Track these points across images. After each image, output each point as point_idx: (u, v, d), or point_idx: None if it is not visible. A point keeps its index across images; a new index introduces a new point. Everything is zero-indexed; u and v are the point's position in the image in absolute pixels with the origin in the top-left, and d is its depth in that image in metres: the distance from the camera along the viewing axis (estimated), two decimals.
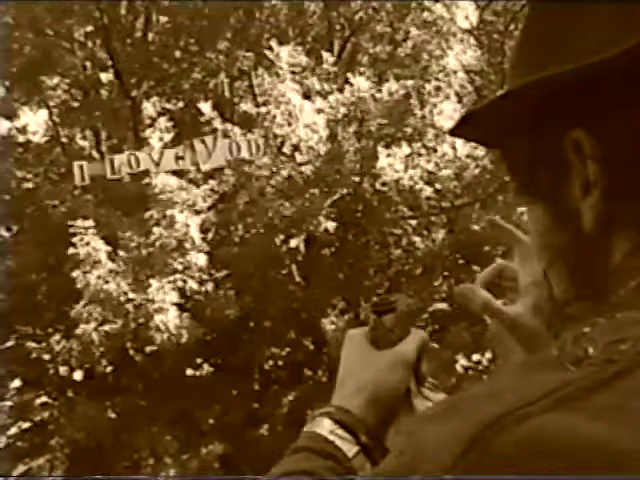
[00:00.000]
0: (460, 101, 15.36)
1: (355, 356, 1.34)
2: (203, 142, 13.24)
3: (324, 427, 1.23)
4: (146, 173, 14.96)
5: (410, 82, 14.45)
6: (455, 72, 14.70)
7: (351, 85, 14.51)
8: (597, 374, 0.66)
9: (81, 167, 13.27)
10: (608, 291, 0.80)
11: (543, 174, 0.85)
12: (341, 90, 14.90)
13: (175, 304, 14.11)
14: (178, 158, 13.19)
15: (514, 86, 0.84)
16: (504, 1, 17.38)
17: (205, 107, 15.30)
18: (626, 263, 0.80)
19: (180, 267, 14.19)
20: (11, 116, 17.35)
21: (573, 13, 0.81)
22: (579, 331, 0.73)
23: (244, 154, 13.46)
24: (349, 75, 14.82)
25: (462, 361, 15.54)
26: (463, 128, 0.92)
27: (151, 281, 14.00)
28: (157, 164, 13.19)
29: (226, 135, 13.97)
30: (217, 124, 15.09)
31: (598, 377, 0.66)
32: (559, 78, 0.79)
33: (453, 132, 0.94)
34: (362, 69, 15.80)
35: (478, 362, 15.49)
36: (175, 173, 14.65)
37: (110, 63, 17.50)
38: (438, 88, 14.56)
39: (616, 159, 0.79)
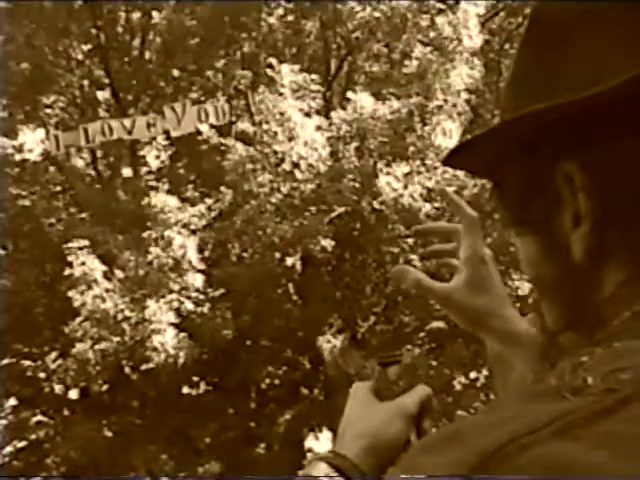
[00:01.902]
0: (457, 120, 15.39)
1: (357, 407, 1.36)
2: (173, 109, 13.40)
3: (320, 470, 1.25)
4: (145, 192, 15.00)
5: (412, 100, 14.50)
6: (458, 92, 14.74)
7: (352, 102, 14.55)
8: (598, 403, 0.65)
9: (56, 137, 13.41)
10: (602, 321, 0.80)
11: (534, 205, 0.85)
12: (342, 108, 14.95)
13: (172, 324, 14.09)
14: (150, 125, 13.38)
15: (506, 119, 0.85)
16: (500, 20, 17.50)
17: (202, 126, 15.34)
18: (619, 294, 0.80)
19: (177, 287, 14.18)
20: (9, 134, 17.37)
21: (565, 46, 0.82)
22: (577, 361, 0.72)
23: (212, 120, 13.65)
24: (350, 93, 14.88)
25: (460, 378, 15.53)
26: (455, 158, 0.93)
27: (148, 301, 13.99)
28: (129, 132, 13.35)
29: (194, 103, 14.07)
30: (215, 141, 15.15)
31: (599, 406, 0.65)
32: (549, 112, 0.79)
33: (446, 162, 0.94)
34: (359, 87, 15.86)
35: (476, 379, 15.48)
36: (171, 192, 14.68)
37: (107, 82, 17.55)
38: (440, 107, 14.60)
39: (606, 191, 0.80)
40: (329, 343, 15.02)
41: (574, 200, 0.81)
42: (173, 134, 13.69)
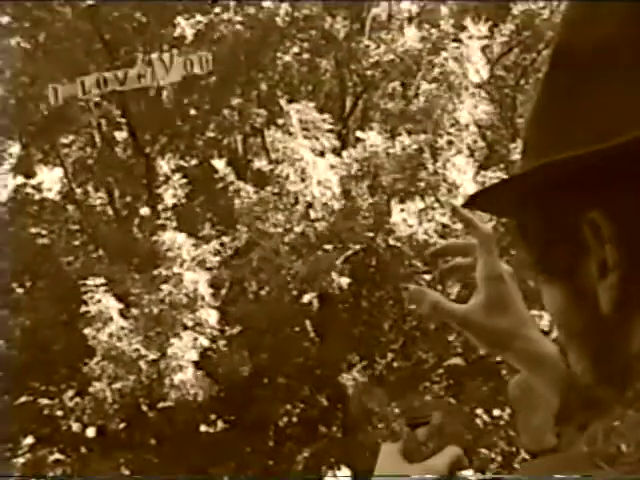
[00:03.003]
0: (472, 155, 15.42)
1: (386, 469, 1.32)
2: (160, 60, 14.01)
3: None
4: (159, 228, 15.08)
5: (422, 137, 14.54)
6: (467, 126, 14.77)
7: (363, 141, 14.61)
8: (634, 473, 0.64)
9: (55, 89, 14.10)
10: (632, 378, 0.77)
11: (558, 252, 0.83)
12: (354, 146, 15.00)
13: (189, 361, 14.09)
14: (140, 76, 13.99)
15: (529, 165, 0.83)
16: (514, 56, 17.56)
17: (219, 164, 15.45)
18: None
19: (191, 324, 14.20)
20: (28, 174, 17.52)
21: (589, 92, 0.79)
22: (609, 425, 0.70)
23: (196, 70, 14.16)
24: (360, 131, 14.94)
25: (483, 416, 15.40)
26: (477, 202, 0.91)
27: (164, 338, 14.01)
28: (122, 83, 13.99)
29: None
30: (231, 180, 15.22)
31: (635, 477, 0.64)
32: (576, 160, 0.77)
33: (467, 205, 0.92)
34: (374, 124, 15.93)
35: (499, 417, 15.34)
36: (187, 230, 14.75)
37: (124, 121, 17.69)
38: (450, 142, 14.62)
39: (634, 241, 0.77)
40: (352, 381, 14.98)
41: (601, 250, 0.78)
42: (162, 83, 14.50)
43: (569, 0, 0.88)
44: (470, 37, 15.02)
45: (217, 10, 16.34)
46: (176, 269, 14.19)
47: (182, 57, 14.19)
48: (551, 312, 0.87)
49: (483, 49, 15.26)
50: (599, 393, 0.84)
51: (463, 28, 15.91)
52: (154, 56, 14.23)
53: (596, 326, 0.81)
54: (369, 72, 16.24)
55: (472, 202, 0.91)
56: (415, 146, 14.52)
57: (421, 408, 1.40)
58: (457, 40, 15.46)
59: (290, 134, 14.43)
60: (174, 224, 15.16)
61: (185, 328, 14.17)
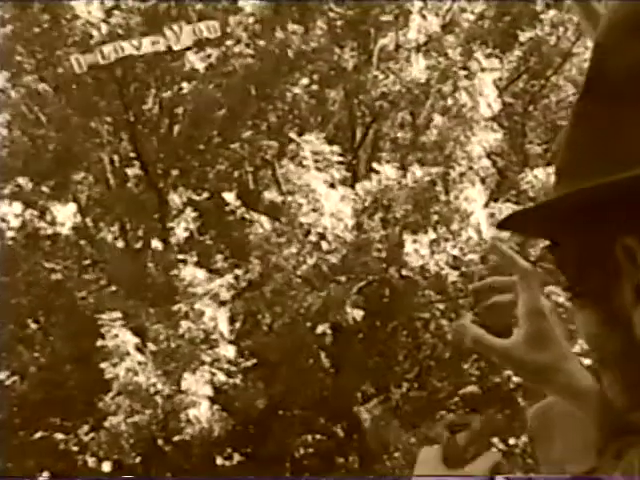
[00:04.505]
0: (483, 182, 15.42)
1: (425, 473, 1.31)
2: (171, 29, 15.32)
3: None
4: (172, 261, 15.12)
5: (435, 169, 14.57)
6: (480, 158, 14.79)
7: (377, 173, 14.65)
8: None
9: (77, 59, 15.17)
10: None
11: (592, 277, 0.83)
12: (366, 177, 15.04)
13: (204, 396, 14.07)
14: (154, 43, 15.32)
15: (563, 189, 0.83)
16: (523, 83, 17.61)
17: (229, 196, 15.50)
18: None
19: (208, 359, 14.19)
20: (41, 210, 17.61)
21: (623, 117, 0.79)
22: None
23: (205, 34, 15.34)
24: (375, 163, 14.99)
25: (499, 445, 15.29)
26: (511, 223, 0.91)
27: (180, 373, 14.00)
28: (137, 48, 15.31)
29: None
30: (242, 212, 15.27)
31: None
32: (611, 186, 0.77)
33: (501, 226, 0.92)
34: (384, 154, 15.97)
35: (514, 445, 15.23)
36: (200, 264, 14.77)
37: (135, 156, 17.78)
38: (462, 174, 14.65)
39: None
40: (368, 413, 14.92)
41: (636, 275, 0.78)
42: (174, 48, 15.55)
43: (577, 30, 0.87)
44: (483, 70, 15.07)
45: (229, 43, 16.49)
46: (191, 303, 14.21)
47: (191, 25, 15.42)
48: (585, 336, 0.87)
49: (495, 82, 15.32)
50: (633, 418, 0.83)
51: (470, 56, 15.99)
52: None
53: (630, 351, 0.80)
54: (378, 102, 16.30)
55: (506, 224, 0.91)
56: (428, 178, 14.55)
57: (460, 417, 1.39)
58: (465, 69, 15.53)
59: (303, 166, 14.49)
60: (187, 257, 15.18)
61: (202, 363, 14.17)
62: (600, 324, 0.84)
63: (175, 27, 15.31)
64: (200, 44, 16.26)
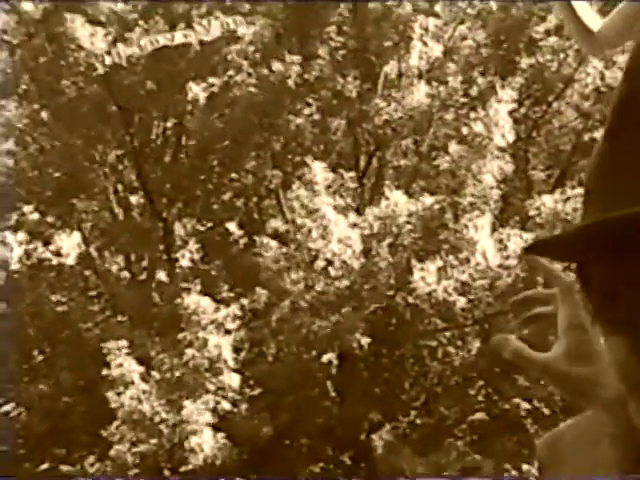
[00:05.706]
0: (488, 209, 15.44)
1: None
2: (200, 24, 16.16)
3: None
4: (177, 291, 15.13)
5: (443, 197, 14.61)
6: (492, 188, 14.82)
7: (387, 199, 14.67)
8: None
9: (118, 51, 16.03)
10: None
11: (621, 303, 0.83)
12: (373, 204, 15.06)
13: (209, 425, 14.02)
14: (185, 36, 16.17)
15: (592, 216, 0.83)
16: (525, 109, 17.65)
17: (232, 226, 15.55)
18: None
19: (213, 388, 14.15)
20: (46, 240, 17.64)
21: None
22: None
23: (232, 26, 16.18)
24: (385, 189, 15.03)
25: (512, 472, 15.20)
26: (538, 248, 0.92)
27: (185, 402, 13.96)
28: (172, 40, 16.12)
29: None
30: (245, 241, 15.30)
31: None
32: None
33: (528, 250, 0.92)
34: (389, 182, 15.99)
35: (528, 471, 15.13)
36: (205, 293, 14.78)
37: (139, 185, 17.83)
38: (472, 204, 14.67)
39: None
40: (380, 440, 14.87)
41: None
42: (205, 39, 16.29)
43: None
44: (499, 101, 15.12)
45: (230, 73, 16.56)
46: (196, 332, 14.20)
47: (218, 20, 16.22)
48: (613, 362, 0.87)
49: (511, 112, 15.39)
50: None
51: (472, 83, 16.05)
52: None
53: None
54: (381, 130, 16.35)
55: (534, 249, 0.92)
56: (437, 206, 14.57)
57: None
58: (466, 95, 15.58)
59: (314, 191, 14.53)
60: (192, 286, 15.19)
61: (207, 392, 14.13)
62: (628, 352, 0.83)
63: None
64: (201, 75, 16.44)
